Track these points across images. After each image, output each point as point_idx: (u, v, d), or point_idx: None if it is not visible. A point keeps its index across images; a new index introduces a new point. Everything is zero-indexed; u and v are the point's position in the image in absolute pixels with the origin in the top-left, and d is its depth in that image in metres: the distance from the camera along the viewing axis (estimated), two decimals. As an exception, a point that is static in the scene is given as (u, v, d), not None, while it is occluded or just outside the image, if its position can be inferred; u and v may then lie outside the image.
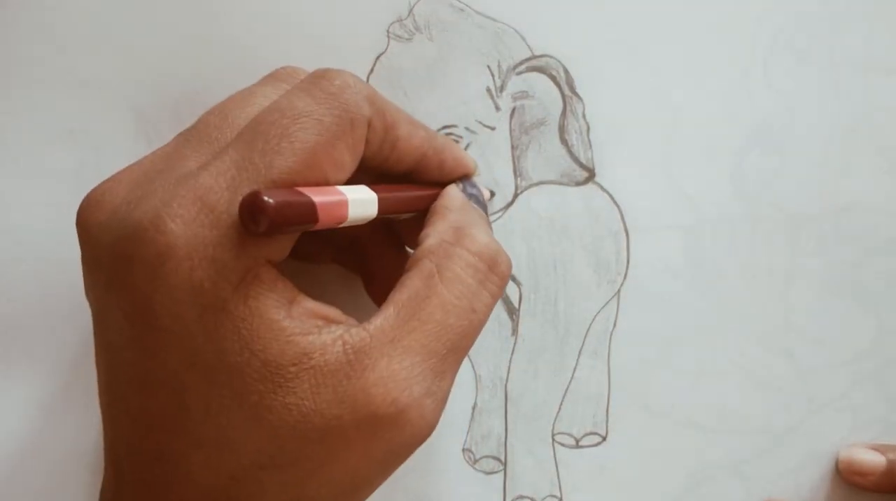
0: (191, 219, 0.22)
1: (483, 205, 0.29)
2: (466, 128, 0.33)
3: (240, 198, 0.22)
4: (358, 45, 0.33)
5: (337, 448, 0.23)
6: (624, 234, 0.34)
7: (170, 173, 0.24)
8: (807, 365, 0.34)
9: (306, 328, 0.23)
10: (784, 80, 0.34)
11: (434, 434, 0.33)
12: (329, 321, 0.24)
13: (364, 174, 0.27)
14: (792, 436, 0.34)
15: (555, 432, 0.34)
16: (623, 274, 0.34)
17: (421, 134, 0.28)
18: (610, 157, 0.34)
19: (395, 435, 0.23)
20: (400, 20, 0.33)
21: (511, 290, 0.34)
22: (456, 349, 0.25)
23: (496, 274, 0.26)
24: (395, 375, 0.23)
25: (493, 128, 0.33)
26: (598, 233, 0.34)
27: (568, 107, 0.34)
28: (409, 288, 0.24)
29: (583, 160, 0.34)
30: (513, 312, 0.34)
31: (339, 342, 0.23)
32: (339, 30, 0.33)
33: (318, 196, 0.23)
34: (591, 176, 0.34)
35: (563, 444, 0.34)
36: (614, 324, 0.34)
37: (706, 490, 0.34)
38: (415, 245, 0.26)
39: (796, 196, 0.34)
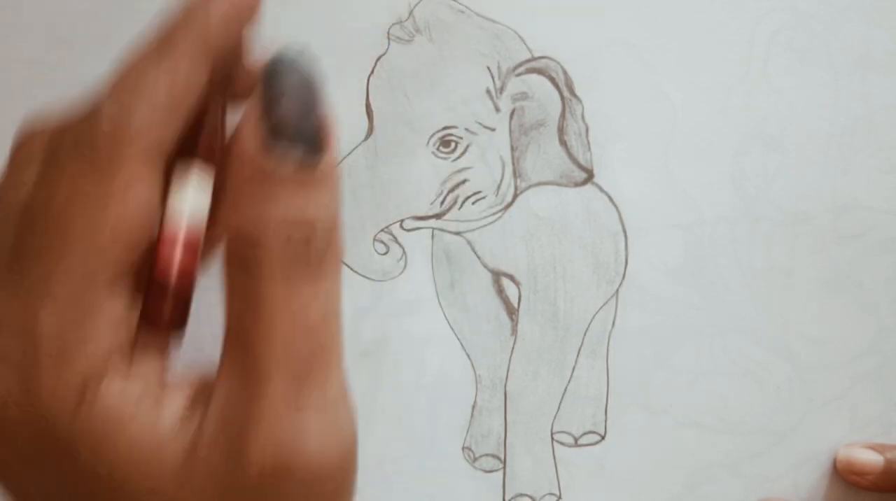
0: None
1: (303, 123, 0.19)
2: (466, 129, 0.33)
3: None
4: (358, 47, 0.33)
5: None
6: (623, 235, 0.34)
7: None
8: (806, 364, 0.34)
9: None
10: (783, 80, 0.34)
11: (433, 432, 0.33)
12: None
13: None
14: (791, 436, 0.34)
15: (554, 431, 0.34)
16: (622, 275, 0.34)
17: None
18: (609, 158, 0.34)
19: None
20: (400, 22, 0.33)
21: (511, 290, 0.34)
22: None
23: (320, 259, 0.20)
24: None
25: (493, 130, 0.33)
26: (597, 234, 0.34)
27: (567, 109, 0.34)
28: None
29: (582, 161, 0.34)
30: (512, 312, 0.34)
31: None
32: (339, 31, 0.33)
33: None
34: (590, 177, 0.34)
35: (562, 443, 0.34)
36: (613, 324, 0.34)
37: (705, 490, 0.34)
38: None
39: (795, 195, 0.34)
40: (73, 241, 0.18)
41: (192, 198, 0.20)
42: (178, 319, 0.21)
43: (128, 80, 0.19)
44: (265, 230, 0.19)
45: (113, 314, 0.19)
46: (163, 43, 0.19)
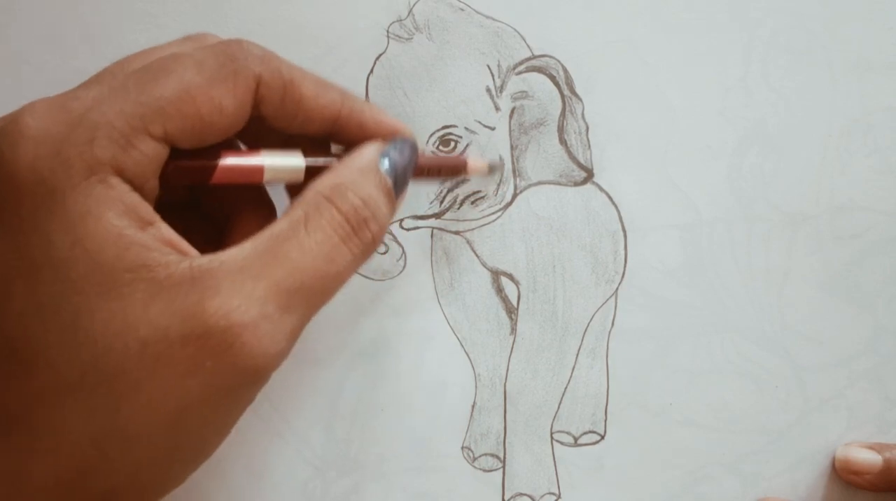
0: (44, 115, 0.22)
1: (401, 172, 0.28)
2: (466, 128, 0.33)
3: (103, 109, 0.23)
4: (357, 46, 0.33)
5: (158, 362, 0.22)
6: (622, 234, 0.34)
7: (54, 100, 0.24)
8: (803, 363, 0.34)
9: (153, 246, 0.23)
10: (781, 80, 0.34)
11: (433, 431, 0.33)
12: (182, 253, 0.23)
13: (276, 135, 0.27)
14: (789, 435, 0.34)
15: (553, 430, 0.34)
16: (621, 274, 0.34)
17: (332, 95, 0.27)
18: (608, 158, 0.34)
19: (226, 357, 0.22)
20: (399, 20, 0.33)
21: (510, 289, 0.34)
22: (306, 289, 0.24)
23: (360, 237, 0.25)
24: (234, 295, 0.22)
25: (492, 128, 0.33)
26: (597, 233, 0.34)
27: (567, 108, 0.34)
28: (272, 228, 0.24)
29: (581, 160, 0.34)
30: (511, 311, 0.34)
31: (187, 263, 0.23)
32: (338, 30, 0.33)
33: (228, 159, 0.26)
34: (589, 176, 0.34)
35: (561, 442, 0.34)
36: (612, 324, 0.34)
37: (704, 489, 0.34)
38: None
39: (793, 195, 0.34)
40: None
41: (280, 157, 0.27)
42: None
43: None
44: (357, 193, 0.26)
45: (153, 146, 0.23)
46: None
